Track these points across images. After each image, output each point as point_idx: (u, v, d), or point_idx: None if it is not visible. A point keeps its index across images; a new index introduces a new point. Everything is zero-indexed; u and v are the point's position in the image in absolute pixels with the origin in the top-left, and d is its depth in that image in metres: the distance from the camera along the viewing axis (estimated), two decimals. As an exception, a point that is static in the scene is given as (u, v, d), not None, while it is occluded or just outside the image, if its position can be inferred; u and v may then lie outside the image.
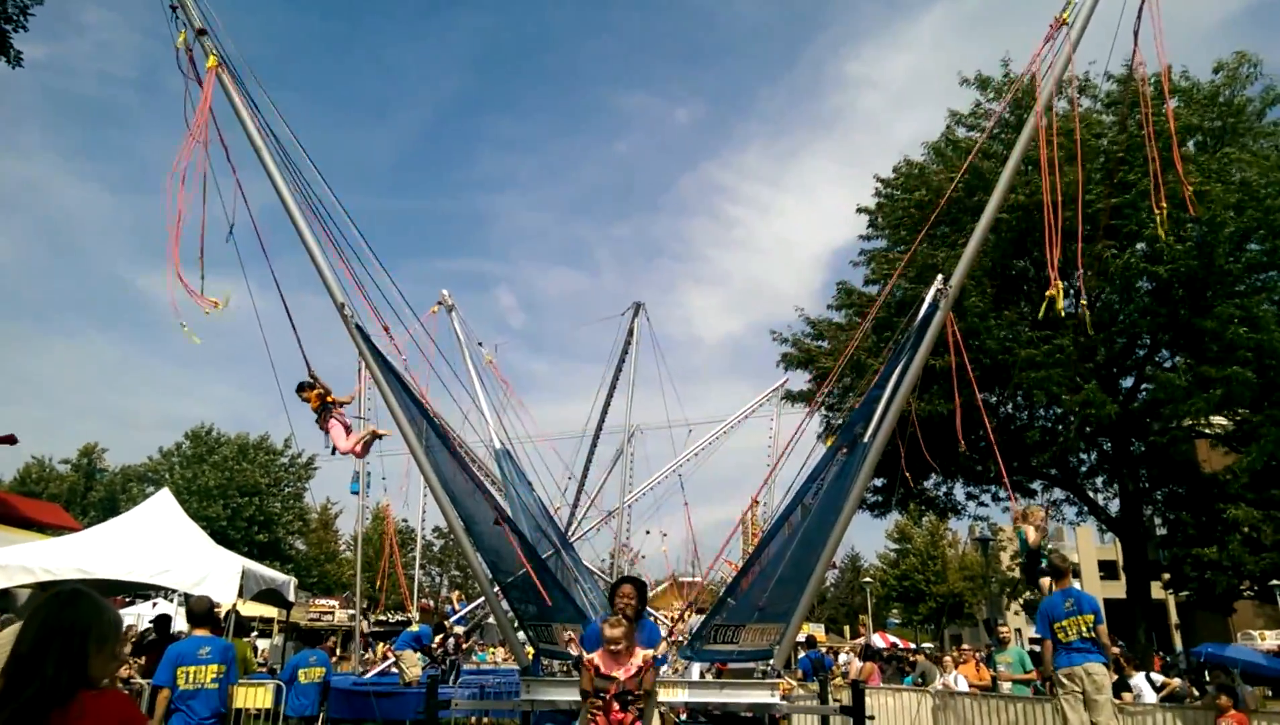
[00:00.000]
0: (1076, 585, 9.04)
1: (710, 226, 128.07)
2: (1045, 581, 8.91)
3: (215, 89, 7.30)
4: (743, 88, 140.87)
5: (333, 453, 9.32)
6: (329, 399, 9.09)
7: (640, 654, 5.43)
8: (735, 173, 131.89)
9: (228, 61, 7.36)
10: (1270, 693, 20.98)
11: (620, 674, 5.31)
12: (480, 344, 12.16)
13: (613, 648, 5.35)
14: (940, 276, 7.47)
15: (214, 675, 6.97)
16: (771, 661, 7.23)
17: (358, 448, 9.34)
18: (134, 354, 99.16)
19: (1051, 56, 6.88)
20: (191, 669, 6.88)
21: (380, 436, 9.39)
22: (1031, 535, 9.04)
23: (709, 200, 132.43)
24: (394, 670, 14.61)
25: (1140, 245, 19.26)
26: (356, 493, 17.79)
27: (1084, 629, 8.05)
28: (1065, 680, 8.10)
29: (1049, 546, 9.64)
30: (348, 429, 9.26)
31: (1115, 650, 13.01)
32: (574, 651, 5.72)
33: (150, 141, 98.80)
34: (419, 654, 14.89)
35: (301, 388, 9.03)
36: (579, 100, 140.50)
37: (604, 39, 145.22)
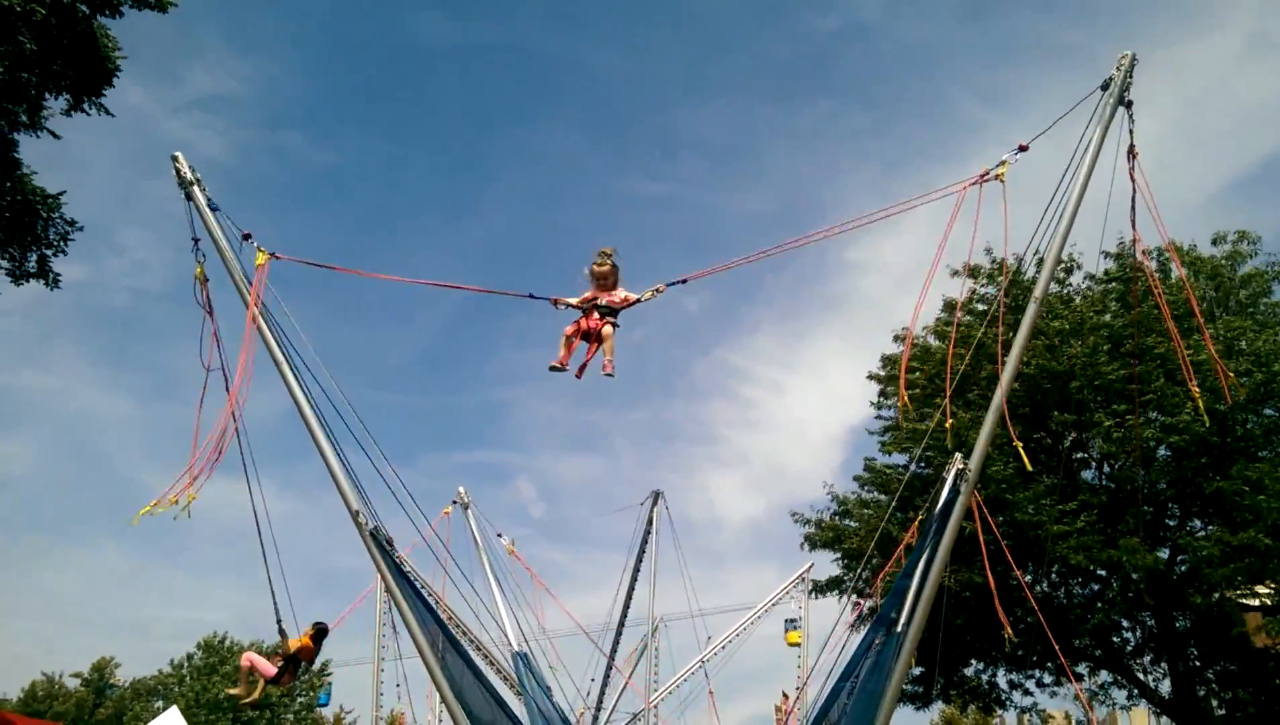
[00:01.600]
0: None
1: (726, 408, 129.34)
2: None
3: (227, 303, 7.57)
4: (750, 276, 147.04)
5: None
6: (300, 657, 8.91)
7: (621, 290, 6.77)
8: (747, 355, 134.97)
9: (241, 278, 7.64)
10: None
11: (604, 298, 6.76)
12: (500, 535, 12.01)
13: (600, 282, 6.73)
14: (959, 455, 7.38)
15: None
16: None
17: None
18: (149, 562, 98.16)
19: (978, 205, 7.08)
20: None
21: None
22: None
23: (723, 382, 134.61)
24: None
25: (1154, 413, 19.27)
26: (325, 704, 16.96)
27: None
28: None
29: None
30: (273, 679, 9.07)
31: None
32: None
33: (175, 351, 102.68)
34: None
35: (315, 628, 8.92)
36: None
37: (612, 237, 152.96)
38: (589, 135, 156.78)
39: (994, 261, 21.76)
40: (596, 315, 6.73)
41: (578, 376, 6.84)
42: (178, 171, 7.63)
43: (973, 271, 22.39)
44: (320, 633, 8.94)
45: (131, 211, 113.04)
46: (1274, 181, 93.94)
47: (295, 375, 7.34)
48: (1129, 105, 7.09)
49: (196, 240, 7.64)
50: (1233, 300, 20.55)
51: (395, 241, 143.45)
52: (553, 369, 6.71)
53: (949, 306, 22.66)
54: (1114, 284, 21.20)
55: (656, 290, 6.94)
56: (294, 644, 8.72)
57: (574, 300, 6.82)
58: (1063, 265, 22.11)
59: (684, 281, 7.05)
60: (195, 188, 7.60)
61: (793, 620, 26.01)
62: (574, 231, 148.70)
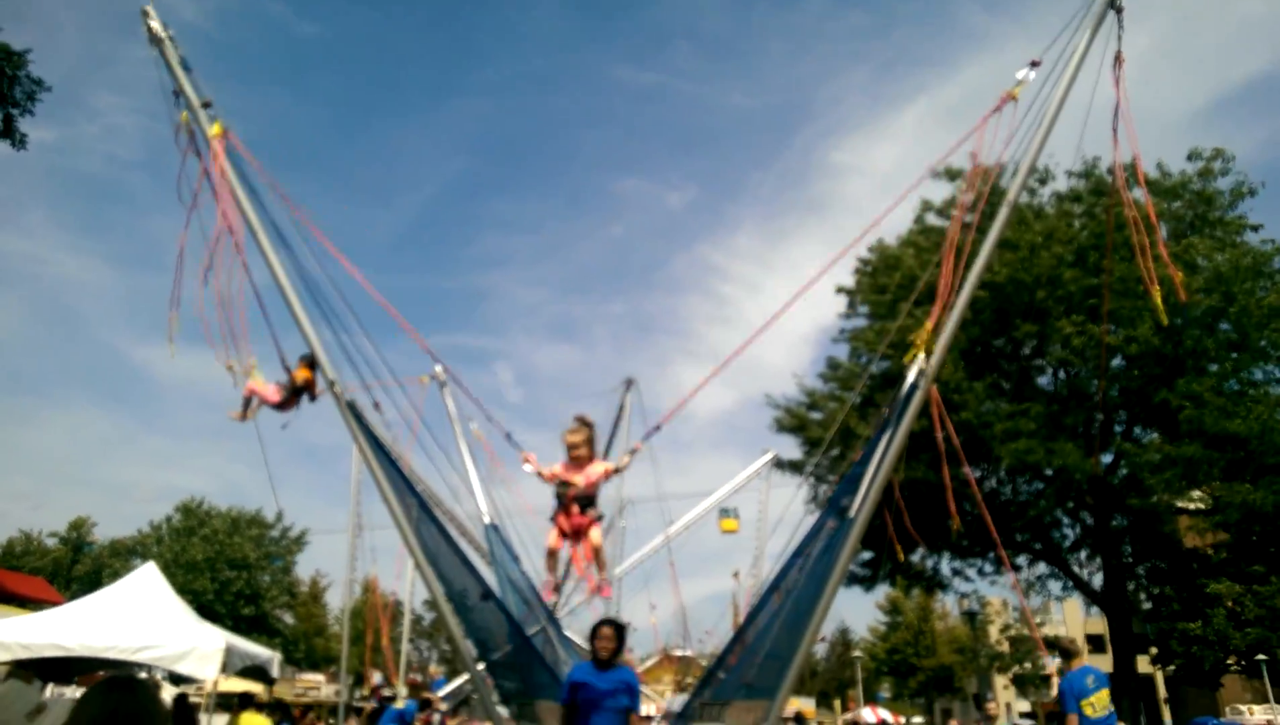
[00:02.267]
0: (1088, 663, 9.09)
1: (702, 304, 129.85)
2: (1055, 664, 9.09)
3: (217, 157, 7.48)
4: (734, 173, 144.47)
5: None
6: (309, 388, 8.61)
7: (600, 464, 6.10)
8: (726, 253, 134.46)
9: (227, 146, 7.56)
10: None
11: (580, 479, 6.03)
12: (471, 421, 12.25)
13: (574, 453, 6.05)
14: (921, 355, 7.62)
15: None
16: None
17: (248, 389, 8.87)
18: (130, 425, 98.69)
19: (995, 131, 7.12)
20: None
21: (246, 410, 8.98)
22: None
23: (701, 279, 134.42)
24: None
25: (1111, 325, 19.77)
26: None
27: (1109, 704, 8.16)
28: None
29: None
30: (276, 404, 8.76)
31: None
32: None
33: (153, 219, 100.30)
34: None
35: (303, 358, 8.45)
36: (575, 184, 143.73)
37: (600, 127, 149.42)
38: (580, 18, 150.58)
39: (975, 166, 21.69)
40: (577, 509, 6.19)
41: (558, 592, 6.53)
42: (148, 27, 7.39)
43: (952, 174, 22.35)
44: (312, 362, 8.73)
45: (105, 75, 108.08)
46: (1257, 102, 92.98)
47: (271, 242, 7.31)
48: (1119, 10, 7.02)
49: (177, 92, 7.47)
50: (1196, 216, 20.83)
51: (379, 120, 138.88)
52: (551, 596, 6.50)
53: (926, 207, 22.75)
54: (1080, 201, 21.42)
55: (632, 450, 6.81)
56: (298, 376, 8.64)
57: (545, 471, 6.33)
58: (1037, 175, 22.18)
59: (658, 428, 6.99)
60: (167, 44, 7.39)
61: (727, 510, 26.62)
62: (562, 117, 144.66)
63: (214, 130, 7.44)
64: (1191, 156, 21.13)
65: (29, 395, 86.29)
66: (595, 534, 6.23)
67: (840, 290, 24.23)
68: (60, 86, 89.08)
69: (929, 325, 7.40)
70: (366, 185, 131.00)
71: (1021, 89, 7.06)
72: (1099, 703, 8.16)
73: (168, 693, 16.39)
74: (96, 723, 1.99)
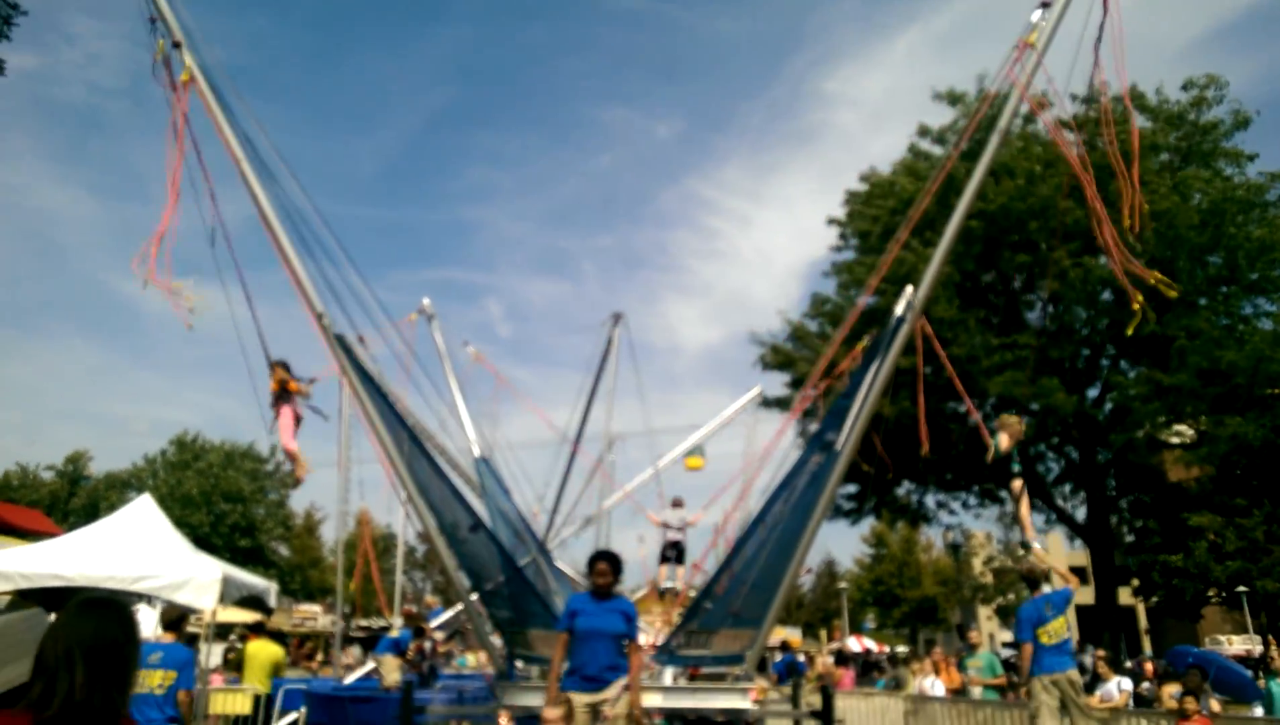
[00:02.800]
0: (1048, 589, 9.22)
1: (691, 238, 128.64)
2: (1017, 483, 9.14)
3: (193, 102, 7.35)
4: (722, 104, 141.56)
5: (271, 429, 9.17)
6: (289, 387, 8.98)
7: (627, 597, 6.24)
8: (715, 186, 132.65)
9: (206, 73, 7.38)
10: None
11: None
12: (466, 343, 12.28)
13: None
14: (910, 287, 7.63)
15: (160, 681, 7.14)
16: (744, 666, 7.38)
17: (292, 453, 9.26)
18: (119, 359, 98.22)
19: (1016, 79, 7.06)
20: (139, 673, 7.08)
21: (297, 473, 9.45)
22: (1005, 443, 9.17)
23: (690, 213, 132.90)
24: (375, 675, 14.63)
25: (1102, 258, 19.71)
26: None
27: (1065, 631, 8.28)
28: (1049, 686, 8.15)
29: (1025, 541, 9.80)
30: (298, 420, 9.17)
31: (1100, 653, 13.29)
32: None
33: (137, 150, 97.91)
34: (400, 659, 14.90)
35: (273, 364, 8.84)
36: (561, 115, 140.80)
37: (585, 54, 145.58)
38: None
39: (981, 93, 21.43)
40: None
41: None
42: None
43: (954, 98, 22.05)
44: (283, 364, 9.03)
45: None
46: (1255, 30, 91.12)
47: (254, 174, 7.20)
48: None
49: (153, 19, 7.25)
50: (1192, 147, 20.63)
51: (360, 47, 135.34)
52: None
53: (923, 132, 22.46)
54: (1083, 127, 21.08)
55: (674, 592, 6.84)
56: (274, 385, 8.94)
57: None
58: (1036, 100, 21.83)
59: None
60: None
61: (693, 448, 26.58)
62: (546, 45, 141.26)
63: (182, 76, 7.26)
64: (1186, 86, 20.90)
65: (12, 327, 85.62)
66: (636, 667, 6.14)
67: (831, 221, 24.00)
68: (36, 11, 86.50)
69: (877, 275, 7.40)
70: (349, 115, 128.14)
71: (1036, 35, 6.94)
72: (1055, 629, 8.23)
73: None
74: (121, 636, 1.93)
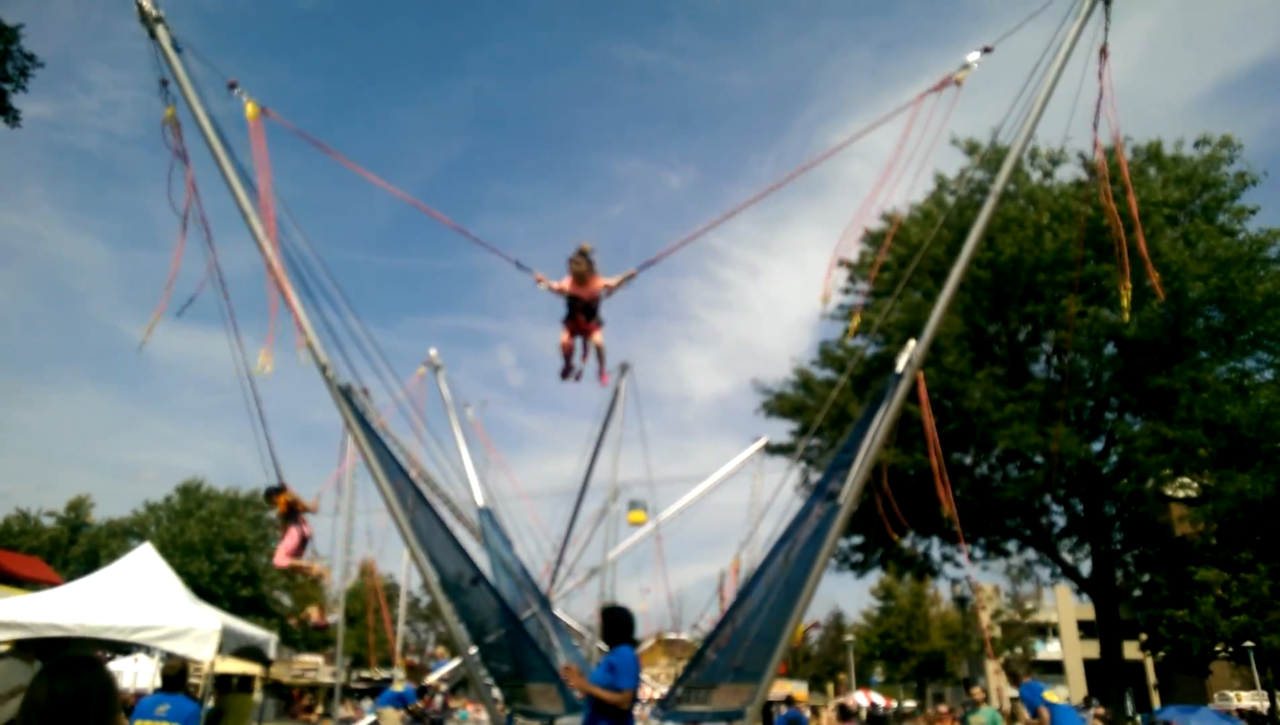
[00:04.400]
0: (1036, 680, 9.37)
1: (702, 288, 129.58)
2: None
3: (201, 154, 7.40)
4: (733, 155, 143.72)
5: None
6: (298, 507, 9.38)
7: (599, 279, 7.11)
8: (726, 236, 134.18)
9: (216, 123, 7.46)
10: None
11: (584, 294, 7.11)
12: (467, 406, 12.35)
13: (577, 273, 7.03)
14: (913, 341, 7.65)
15: None
16: (743, 722, 7.26)
17: (285, 561, 9.65)
18: (129, 407, 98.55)
19: (931, 111, 7.05)
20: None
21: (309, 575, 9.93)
22: None
23: (701, 262, 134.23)
24: None
25: (1105, 310, 19.80)
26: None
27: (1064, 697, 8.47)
28: None
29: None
30: (304, 541, 9.55)
31: (1099, 711, 13.06)
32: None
33: (151, 197, 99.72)
34: (402, 713, 14.71)
35: (270, 493, 9.35)
36: (574, 164, 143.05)
37: (599, 106, 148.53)
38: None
39: (993, 144, 21.68)
40: (583, 316, 7.31)
41: (576, 380, 7.66)
42: (140, 6, 7.21)
43: (971, 147, 22.19)
44: (278, 490, 9.42)
45: (99, 48, 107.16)
46: (1263, 86, 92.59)
47: (261, 224, 7.28)
48: (1108, 1, 7.01)
49: (165, 81, 7.27)
50: (1211, 203, 20.77)
51: (377, 96, 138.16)
52: (564, 378, 7.61)
53: (941, 185, 22.62)
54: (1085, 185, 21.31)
55: (629, 276, 7.29)
56: (281, 508, 9.36)
57: (555, 284, 7.21)
58: (1048, 156, 22.11)
59: (653, 262, 7.32)
60: (159, 25, 7.24)
61: (636, 502, 26.21)
62: (561, 96, 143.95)
63: (249, 111, 7.27)
64: (1199, 143, 21.13)
65: (23, 374, 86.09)
66: (598, 336, 7.40)
67: (842, 263, 23.99)
68: (54, 62, 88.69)
69: (855, 317, 7.51)
70: (365, 163, 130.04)
71: (967, 74, 7.03)
72: (1055, 696, 8.46)
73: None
74: (71, 697, 1.98)
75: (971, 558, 24.33)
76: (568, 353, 7.51)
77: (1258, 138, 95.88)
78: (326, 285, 7.51)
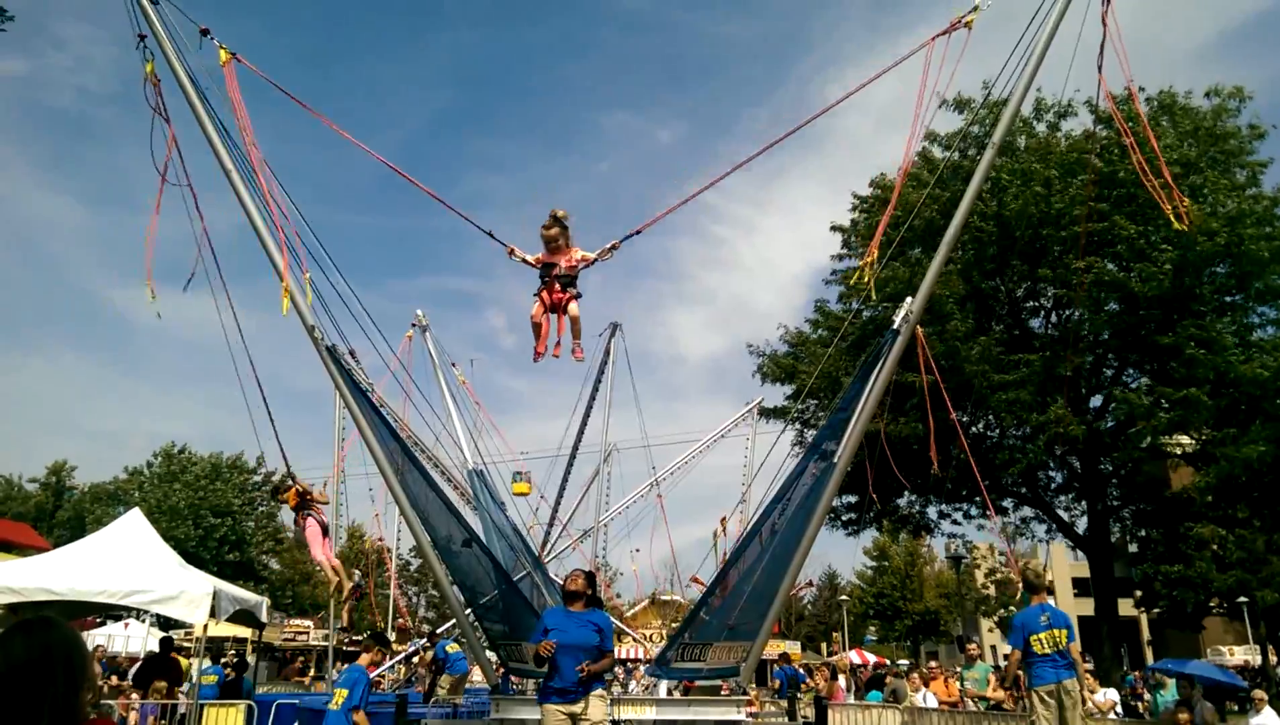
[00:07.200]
0: (1050, 602, 9.06)
1: (695, 246, 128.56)
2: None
3: (182, 113, 7.22)
4: (726, 108, 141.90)
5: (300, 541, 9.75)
6: (308, 497, 9.39)
7: (579, 251, 6.87)
8: (719, 193, 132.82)
9: (194, 80, 7.25)
10: (1237, 707, 21.30)
11: (562, 262, 6.83)
12: (454, 365, 12.24)
13: (552, 244, 6.80)
14: (909, 299, 7.58)
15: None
16: (738, 679, 7.32)
17: (329, 567, 9.71)
18: (108, 371, 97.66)
19: (944, 54, 6.91)
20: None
21: (348, 597, 10.03)
22: None
23: (694, 220, 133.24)
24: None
25: (1110, 265, 19.66)
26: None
27: (1060, 643, 8.07)
28: (1046, 699, 8.01)
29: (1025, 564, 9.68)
30: (324, 530, 9.58)
31: (1086, 667, 13.19)
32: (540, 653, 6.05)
33: (128, 156, 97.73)
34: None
35: (277, 491, 9.41)
36: (561, 119, 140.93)
37: (587, 58, 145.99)
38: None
39: (986, 98, 21.44)
40: (558, 287, 6.86)
41: (555, 355, 6.99)
42: None
43: (960, 104, 21.89)
44: (285, 486, 9.54)
45: (72, 2, 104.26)
46: (1266, 36, 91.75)
47: (246, 184, 7.13)
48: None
49: (143, 36, 7.09)
50: (1211, 154, 20.48)
51: (357, 52, 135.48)
52: (538, 359, 6.97)
53: (929, 137, 22.27)
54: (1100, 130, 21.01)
55: (612, 247, 6.98)
56: (292, 502, 9.43)
57: (530, 257, 6.91)
58: (1054, 109, 21.80)
59: (638, 232, 7.05)
60: None
61: (519, 473, 26.02)
62: (547, 49, 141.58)
63: (221, 59, 7.11)
64: (1209, 94, 20.86)
65: (3, 338, 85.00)
66: (574, 308, 6.91)
67: (835, 228, 23.83)
68: (24, 16, 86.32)
69: (872, 251, 7.40)
70: (345, 120, 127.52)
71: (976, 16, 6.93)
72: (1048, 640, 7.99)
73: (155, 637, 16.52)
74: (31, 661, 1.77)
75: (966, 516, 24.43)
76: (539, 328, 6.97)
77: (1264, 87, 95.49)
78: (313, 245, 7.37)
